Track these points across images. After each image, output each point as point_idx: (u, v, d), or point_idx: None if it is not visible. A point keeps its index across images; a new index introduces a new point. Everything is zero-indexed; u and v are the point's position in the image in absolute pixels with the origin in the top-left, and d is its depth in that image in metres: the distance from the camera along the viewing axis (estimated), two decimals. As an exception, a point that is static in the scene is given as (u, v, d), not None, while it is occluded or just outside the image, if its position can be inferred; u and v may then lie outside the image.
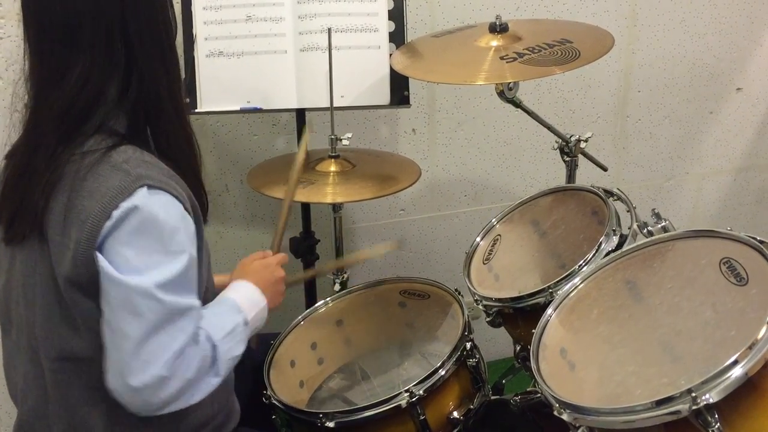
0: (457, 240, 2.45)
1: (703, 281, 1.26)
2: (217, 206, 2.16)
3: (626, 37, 2.38)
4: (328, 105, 1.78)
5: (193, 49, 1.76)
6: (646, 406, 1.06)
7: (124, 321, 1.06)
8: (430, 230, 2.44)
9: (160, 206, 1.08)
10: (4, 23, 1.80)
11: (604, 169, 2.02)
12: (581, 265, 1.44)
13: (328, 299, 1.75)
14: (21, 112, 1.18)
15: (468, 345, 1.47)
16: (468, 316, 1.54)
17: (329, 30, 1.75)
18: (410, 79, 1.82)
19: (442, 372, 1.41)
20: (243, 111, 1.83)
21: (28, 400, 1.24)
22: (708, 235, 1.29)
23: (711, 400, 1.01)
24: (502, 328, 1.59)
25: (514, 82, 1.71)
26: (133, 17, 1.11)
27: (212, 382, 1.15)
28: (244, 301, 1.26)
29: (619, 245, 1.46)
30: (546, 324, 1.36)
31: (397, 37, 1.83)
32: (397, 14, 1.83)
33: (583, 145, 1.85)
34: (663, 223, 1.41)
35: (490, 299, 1.56)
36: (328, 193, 1.74)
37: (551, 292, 1.44)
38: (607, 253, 1.44)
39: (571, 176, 1.90)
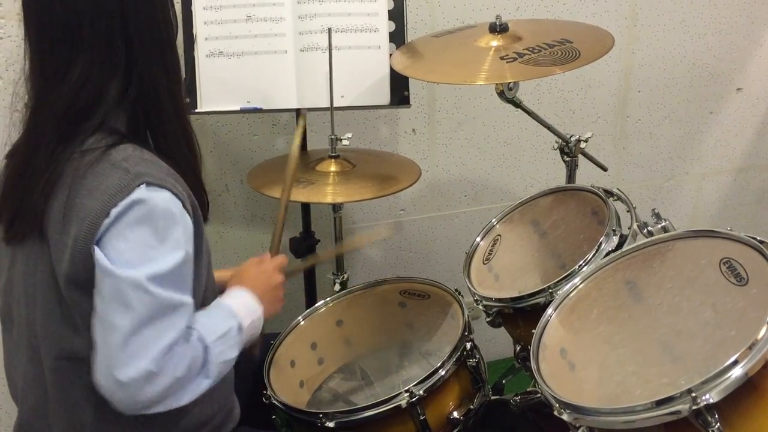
0: (457, 240, 2.45)
1: (703, 281, 1.26)
2: (217, 206, 2.16)
3: (626, 37, 2.38)
4: (328, 105, 1.78)
5: (193, 49, 1.76)
6: (646, 406, 1.06)
7: (115, 313, 1.05)
8: (430, 230, 2.44)
9: (158, 201, 1.08)
10: (4, 23, 1.79)
11: (604, 169, 2.02)
12: (581, 265, 1.44)
13: (328, 299, 1.75)
14: (21, 112, 1.18)
15: (468, 345, 1.47)
16: (468, 316, 1.54)
17: (329, 30, 1.75)
18: (410, 79, 1.82)
19: (442, 372, 1.41)
20: (243, 111, 1.83)
21: (29, 399, 1.24)
22: (708, 235, 1.29)
23: (711, 400, 1.01)
24: (502, 328, 1.59)
25: (514, 82, 1.71)
26: (133, 16, 1.12)
27: (202, 385, 1.14)
28: (239, 307, 1.25)
29: (619, 245, 1.45)
30: (546, 324, 1.36)
31: (397, 37, 1.83)
32: (397, 14, 1.83)
33: (583, 145, 1.85)
34: (663, 223, 1.41)
35: (490, 299, 1.56)
36: (328, 193, 1.74)
37: (551, 292, 1.44)
38: (607, 253, 1.44)
39: (571, 176, 1.90)
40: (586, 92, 2.41)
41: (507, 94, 1.74)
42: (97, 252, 1.06)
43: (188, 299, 1.12)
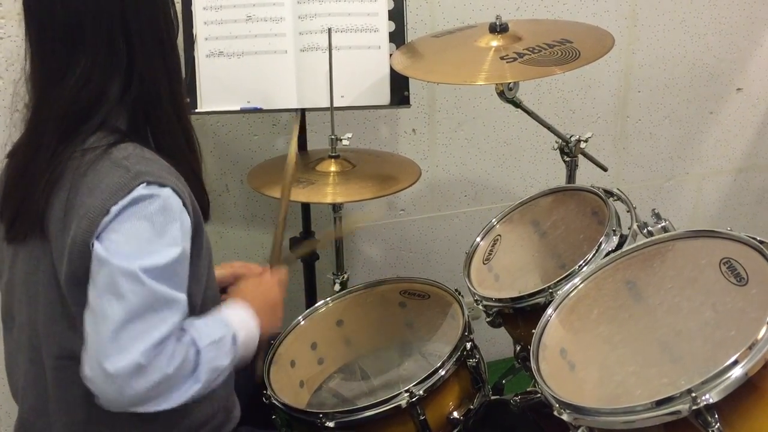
0: (457, 240, 2.45)
1: (703, 281, 1.26)
2: (217, 206, 2.16)
3: (626, 37, 2.38)
4: (328, 105, 1.78)
5: (193, 49, 1.76)
6: (646, 406, 1.06)
7: (107, 303, 1.04)
8: (430, 230, 2.44)
9: (157, 198, 1.08)
10: (4, 23, 1.80)
11: (604, 169, 2.02)
12: (581, 265, 1.44)
13: (328, 299, 1.75)
14: (22, 112, 1.18)
15: (468, 345, 1.47)
16: (468, 316, 1.54)
17: (329, 30, 1.75)
18: (410, 79, 1.82)
19: (442, 372, 1.41)
20: (243, 111, 1.83)
21: (29, 398, 1.24)
22: (708, 235, 1.29)
23: (711, 401, 1.01)
24: (502, 328, 1.59)
25: (514, 82, 1.71)
26: (134, 16, 1.12)
27: (192, 388, 1.11)
28: (235, 319, 1.23)
29: (619, 245, 1.45)
30: (546, 324, 1.36)
31: (397, 37, 1.83)
32: (397, 14, 1.83)
33: (583, 145, 1.85)
34: (663, 223, 1.41)
35: (490, 299, 1.56)
36: (328, 193, 1.74)
37: (551, 292, 1.44)
38: (607, 253, 1.44)
39: (571, 176, 1.90)
40: (586, 92, 2.41)
41: (507, 94, 1.74)
42: (96, 245, 1.06)
43: (182, 297, 1.10)
